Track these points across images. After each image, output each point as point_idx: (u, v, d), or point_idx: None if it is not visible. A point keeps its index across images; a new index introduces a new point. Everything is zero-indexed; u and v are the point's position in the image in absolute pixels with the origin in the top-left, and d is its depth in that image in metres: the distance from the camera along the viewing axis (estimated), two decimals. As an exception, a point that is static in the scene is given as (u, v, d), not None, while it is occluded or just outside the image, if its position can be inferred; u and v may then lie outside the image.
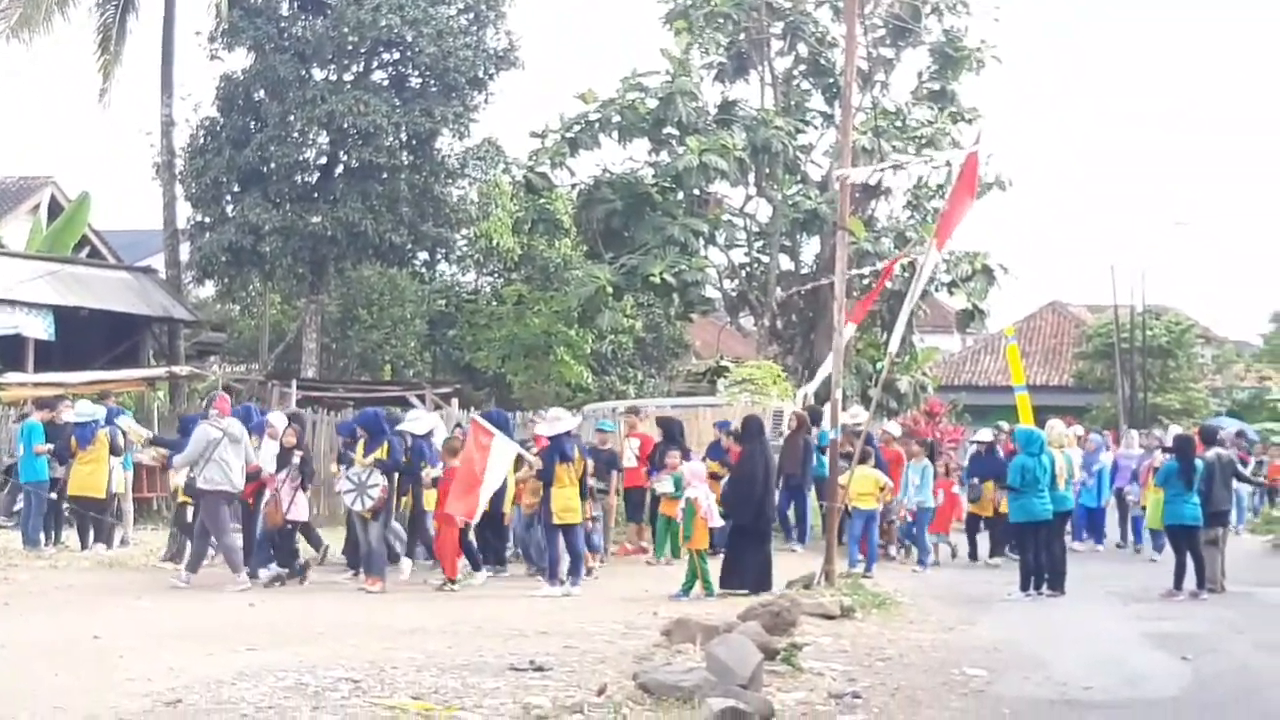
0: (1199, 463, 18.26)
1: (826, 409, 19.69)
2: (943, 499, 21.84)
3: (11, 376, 25.88)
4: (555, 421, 17.70)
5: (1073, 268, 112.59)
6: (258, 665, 11.13)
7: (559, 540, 17.00)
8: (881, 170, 18.88)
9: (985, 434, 23.46)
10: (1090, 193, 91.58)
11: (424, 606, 15.53)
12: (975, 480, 22.12)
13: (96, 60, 34.09)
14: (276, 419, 19.19)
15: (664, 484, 19.76)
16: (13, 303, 28.02)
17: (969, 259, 32.09)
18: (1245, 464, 23.83)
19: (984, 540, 22.47)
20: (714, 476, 19.63)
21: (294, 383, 30.63)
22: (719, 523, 17.49)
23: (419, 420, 18.90)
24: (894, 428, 23.70)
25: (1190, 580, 17.92)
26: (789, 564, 18.50)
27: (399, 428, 18.13)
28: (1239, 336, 61.13)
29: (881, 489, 19.81)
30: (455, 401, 28.21)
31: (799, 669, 11.42)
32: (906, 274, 24.83)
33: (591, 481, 17.89)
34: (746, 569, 16.84)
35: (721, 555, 17.61)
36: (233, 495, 17.39)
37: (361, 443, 17.36)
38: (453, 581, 17.07)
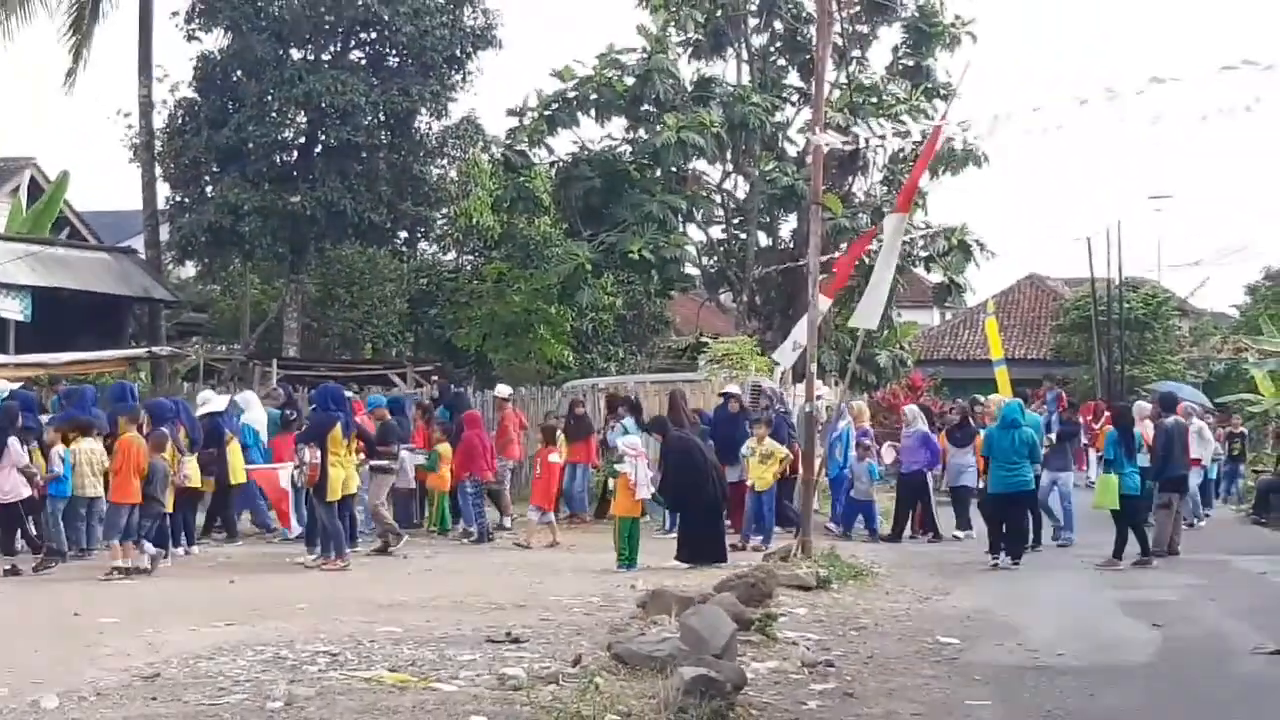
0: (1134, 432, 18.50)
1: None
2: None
3: (-9, 358, 25.90)
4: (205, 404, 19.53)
5: (1051, 242, 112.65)
6: (236, 640, 11.23)
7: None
8: (853, 142, 18.94)
9: (732, 388, 22.53)
10: (1069, 168, 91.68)
11: (407, 582, 15.65)
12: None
13: (68, 41, 33.89)
14: None
15: (418, 458, 21.28)
16: (-9, 284, 27.98)
17: (945, 234, 32.21)
18: None
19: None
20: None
21: (275, 362, 30.65)
22: (645, 495, 17.50)
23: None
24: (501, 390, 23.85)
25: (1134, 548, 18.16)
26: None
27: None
28: (1216, 309, 61.45)
29: (781, 460, 19.75)
30: (435, 380, 28.24)
31: (773, 639, 11.54)
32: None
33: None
34: (695, 545, 17.19)
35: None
36: None
37: None
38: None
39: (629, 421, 22.01)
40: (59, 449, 17.16)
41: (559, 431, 22.17)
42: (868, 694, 9.95)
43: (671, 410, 21.26)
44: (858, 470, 21.24)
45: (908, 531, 21.40)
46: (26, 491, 16.88)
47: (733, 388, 22.69)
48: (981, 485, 21.64)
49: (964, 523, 21.57)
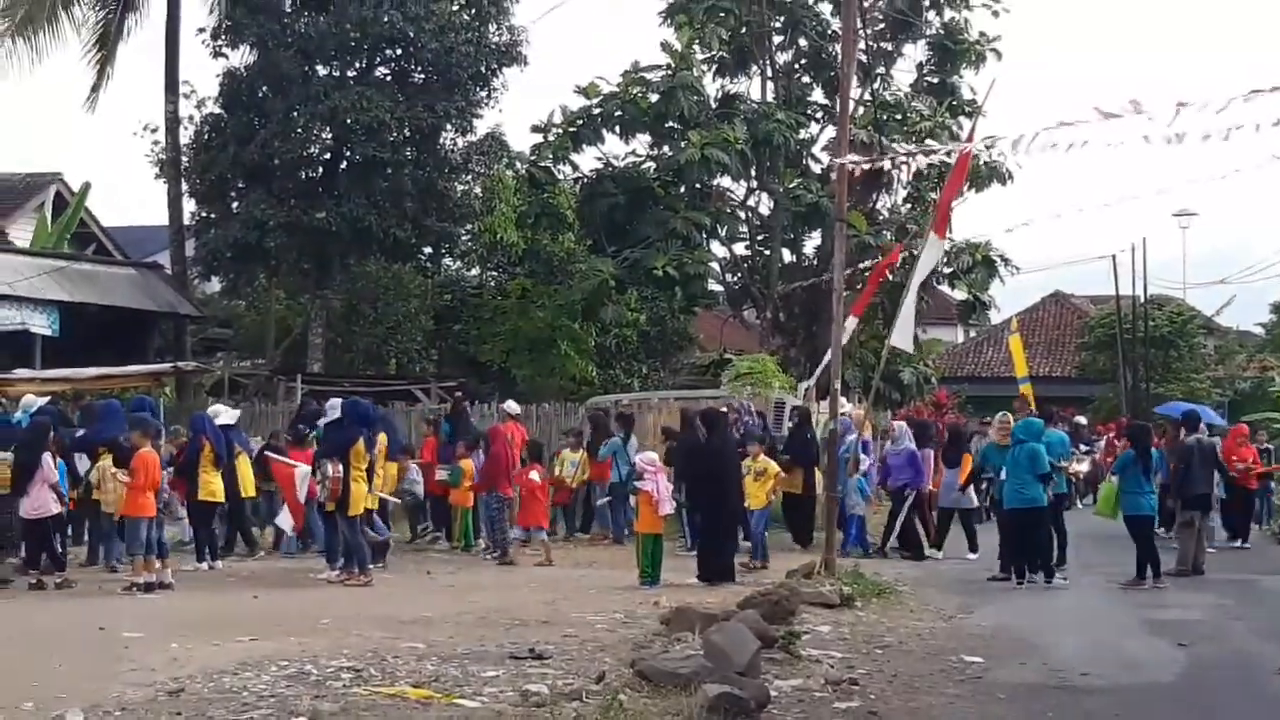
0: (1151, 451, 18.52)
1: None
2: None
3: (20, 372, 25.98)
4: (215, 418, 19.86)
5: (1076, 258, 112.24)
6: (260, 655, 11.26)
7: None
8: (878, 161, 18.89)
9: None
10: (1093, 184, 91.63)
11: (430, 598, 15.65)
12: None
13: (93, 57, 34.06)
14: None
15: (441, 474, 21.53)
16: (18, 299, 28.09)
17: (970, 250, 32.18)
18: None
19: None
20: None
21: (299, 378, 30.73)
22: (668, 510, 17.66)
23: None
24: (511, 406, 23.91)
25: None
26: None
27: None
28: (1241, 327, 61.14)
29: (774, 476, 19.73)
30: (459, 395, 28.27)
31: (797, 656, 11.52)
32: (908, 267, 24.89)
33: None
34: (703, 560, 17.34)
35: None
36: None
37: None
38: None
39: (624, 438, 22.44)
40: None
41: (574, 449, 22.47)
42: (891, 713, 9.93)
43: (684, 427, 21.28)
44: (848, 486, 21.12)
45: (927, 549, 21.33)
46: (56, 509, 16.96)
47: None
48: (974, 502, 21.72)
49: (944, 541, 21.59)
